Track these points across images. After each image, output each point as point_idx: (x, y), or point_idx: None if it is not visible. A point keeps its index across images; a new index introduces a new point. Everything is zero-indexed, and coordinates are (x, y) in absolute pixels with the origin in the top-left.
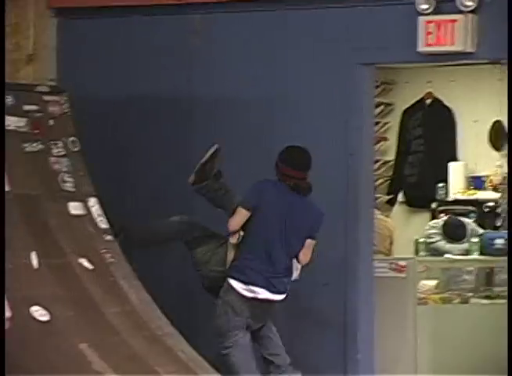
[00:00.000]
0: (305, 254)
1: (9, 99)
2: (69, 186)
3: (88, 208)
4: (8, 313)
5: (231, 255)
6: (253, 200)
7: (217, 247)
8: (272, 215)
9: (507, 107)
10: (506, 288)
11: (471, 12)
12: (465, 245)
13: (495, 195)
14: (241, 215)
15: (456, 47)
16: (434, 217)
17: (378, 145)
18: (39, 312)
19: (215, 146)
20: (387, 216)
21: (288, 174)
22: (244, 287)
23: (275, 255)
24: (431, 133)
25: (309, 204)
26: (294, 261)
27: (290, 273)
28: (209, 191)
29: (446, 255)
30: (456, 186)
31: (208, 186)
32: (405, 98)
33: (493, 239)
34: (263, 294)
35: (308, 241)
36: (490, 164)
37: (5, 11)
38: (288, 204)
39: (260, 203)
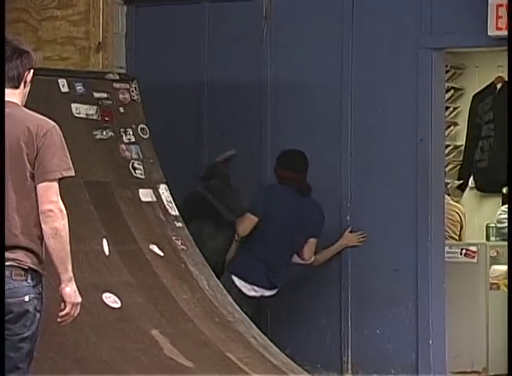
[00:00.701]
0: (308, 253)
1: (79, 87)
2: (139, 172)
3: (158, 195)
4: (79, 299)
5: (232, 252)
6: (261, 207)
7: (215, 231)
8: (280, 219)
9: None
10: None
11: None
12: None
13: None
14: (250, 221)
15: None
16: (505, 202)
17: (448, 130)
18: (111, 299)
19: (233, 151)
20: (457, 202)
21: (288, 177)
22: (248, 286)
23: (279, 256)
24: (502, 118)
25: (313, 204)
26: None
27: (289, 270)
28: (215, 189)
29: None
30: None
31: (215, 185)
32: (475, 82)
33: None
34: (262, 292)
35: (311, 240)
36: None
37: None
38: (294, 207)
39: (268, 208)
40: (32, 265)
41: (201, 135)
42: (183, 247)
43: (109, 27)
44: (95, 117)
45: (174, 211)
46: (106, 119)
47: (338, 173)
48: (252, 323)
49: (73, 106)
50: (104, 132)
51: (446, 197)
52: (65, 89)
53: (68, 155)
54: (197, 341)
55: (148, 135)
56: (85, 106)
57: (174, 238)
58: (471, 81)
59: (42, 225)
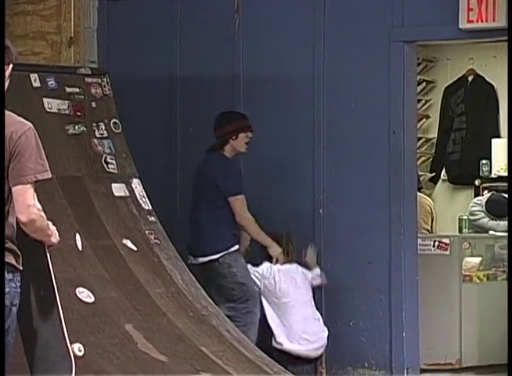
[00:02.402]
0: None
1: (51, 82)
2: (112, 167)
3: (131, 190)
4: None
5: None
6: (241, 184)
7: None
8: None
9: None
10: None
11: None
12: None
13: None
14: (243, 202)
15: (498, 23)
16: (477, 194)
17: (420, 123)
18: (84, 294)
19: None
20: (430, 194)
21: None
22: None
23: None
24: (474, 110)
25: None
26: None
27: None
28: None
29: (490, 232)
30: (499, 163)
31: None
32: (446, 75)
33: None
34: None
35: (231, 199)
36: None
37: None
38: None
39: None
40: (9, 261)
41: (174, 128)
42: (156, 241)
43: (81, 21)
44: (67, 112)
45: (148, 206)
46: (78, 114)
47: (311, 166)
48: (226, 317)
49: (45, 100)
50: (76, 127)
51: None
52: (37, 84)
53: (44, 157)
54: (171, 336)
55: (120, 130)
56: (57, 101)
57: (147, 232)
58: (443, 74)
59: (23, 228)
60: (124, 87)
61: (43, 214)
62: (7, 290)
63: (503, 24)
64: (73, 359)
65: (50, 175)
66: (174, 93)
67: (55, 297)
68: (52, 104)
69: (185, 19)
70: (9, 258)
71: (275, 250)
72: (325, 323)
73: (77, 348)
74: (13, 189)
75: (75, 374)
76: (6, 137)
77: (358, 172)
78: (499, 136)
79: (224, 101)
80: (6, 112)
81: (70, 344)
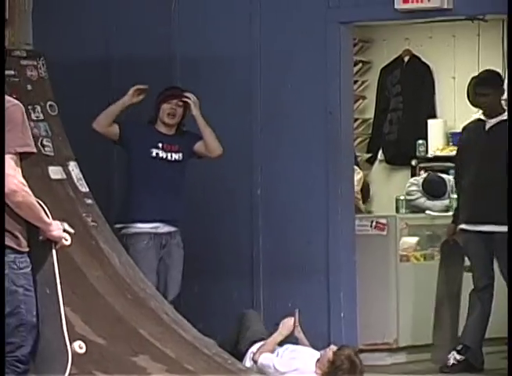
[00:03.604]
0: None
1: None
2: (48, 150)
3: (67, 172)
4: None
5: None
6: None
7: None
8: None
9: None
10: None
11: None
12: (445, 201)
13: None
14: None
15: (433, 3)
16: (414, 174)
17: (357, 103)
18: None
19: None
20: (366, 175)
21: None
22: None
23: None
24: (410, 90)
25: None
26: None
27: None
28: None
29: (427, 212)
30: (435, 143)
31: None
32: (383, 56)
33: None
34: None
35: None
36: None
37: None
38: None
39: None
40: (8, 244)
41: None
42: (94, 223)
43: (15, 3)
44: None
45: (85, 188)
46: (14, 96)
47: (249, 147)
48: (164, 299)
49: None
50: None
51: None
52: None
53: (28, 133)
54: (109, 318)
55: (56, 112)
56: None
57: (84, 215)
58: (379, 55)
59: (7, 201)
60: (61, 69)
61: (28, 190)
62: (6, 272)
63: (438, 5)
64: (70, 356)
65: (32, 150)
66: (110, 75)
67: (58, 296)
68: None
69: (118, 1)
70: (8, 240)
71: None
72: (263, 304)
73: (78, 346)
74: None
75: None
76: None
77: (295, 153)
78: (435, 117)
79: (161, 82)
80: None
81: (70, 342)
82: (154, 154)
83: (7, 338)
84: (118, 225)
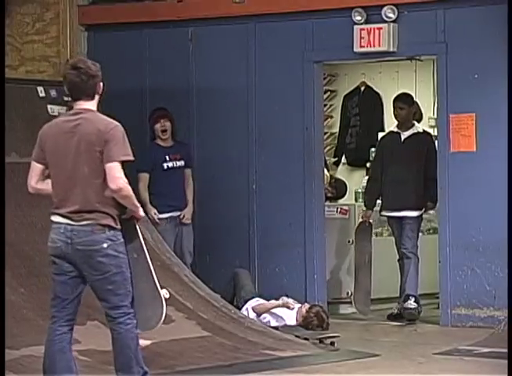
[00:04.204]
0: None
1: (52, 93)
2: None
3: None
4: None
5: None
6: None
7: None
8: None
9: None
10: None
11: (393, 21)
12: None
13: None
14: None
15: (382, 48)
16: (368, 173)
17: (326, 121)
18: None
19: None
20: (333, 174)
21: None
22: None
23: None
24: (365, 112)
25: None
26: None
27: None
28: None
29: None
30: None
31: None
32: (345, 86)
33: None
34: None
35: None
36: None
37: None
38: None
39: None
40: (108, 223)
41: (144, 128)
42: None
43: (75, 47)
44: None
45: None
46: None
47: (246, 155)
48: (184, 265)
49: (49, 106)
50: None
51: None
52: (42, 94)
53: (128, 146)
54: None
55: None
56: (58, 107)
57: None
58: (342, 85)
59: (112, 194)
60: (106, 96)
61: (129, 186)
62: (109, 243)
63: (386, 48)
64: (164, 301)
65: (131, 158)
66: (145, 101)
67: (147, 258)
68: (54, 109)
69: (151, 46)
70: (108, 221)
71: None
72: (257, 269)
73: (164, 292)
74: (105, 166)
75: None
76: (92, 131)
77: (281, 158)
78: (383, 130)
79: (181, 107)
80: (94, 113)
81: (161, 288)
82: (166, 167)
83: (116, 290)
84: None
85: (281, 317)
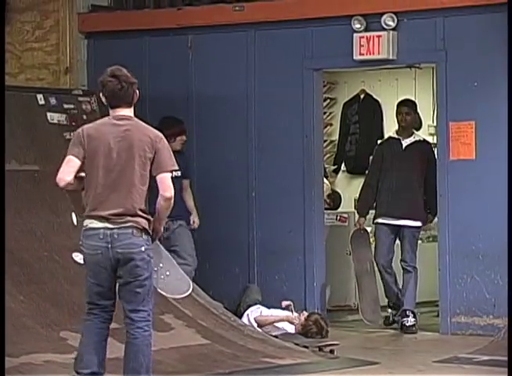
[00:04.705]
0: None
1: (52, 101)
2: None
3: None
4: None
5: None
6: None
7: None
8: None
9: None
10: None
11: (392, 29)
12: None
13: None
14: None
15: (382, 55)
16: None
17: (326, 129)
18: (78, 257)
19: None
20: (333, 181)
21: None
22: None
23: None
24: (365, 119)
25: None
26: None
27: None
28: None
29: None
30: None
31: None
32: (344, 94)
33: None
34: None
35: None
36: None
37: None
38: None
39: None
40: (145, 227)
41: None
42: None
43: (75, 55)
44: (64, 123)
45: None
46: (73, 124)
47: (246, 162)
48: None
49: (49, 114)
50: (72, 134)
51: None
52: (42, 102)
53: (173, 157)
54: None
55: None
56: (57, 115)
57: None
58: (342, 93)
59: (162, 202)
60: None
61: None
62: (146, 247)
63: (385, 56)
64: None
65: (177, 168)
66: (144, 107)
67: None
68: (53, 117)
69: (151, 53)
70: (146, 225)
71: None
72: (257, 277)
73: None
74: (159, 176)
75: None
76: (144, 138)
77: (280, 166)
78: (383, 138)
79: (181, 114)
80: (138, 121)
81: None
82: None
83: (144, 294)
84: None
85: (281, 327)
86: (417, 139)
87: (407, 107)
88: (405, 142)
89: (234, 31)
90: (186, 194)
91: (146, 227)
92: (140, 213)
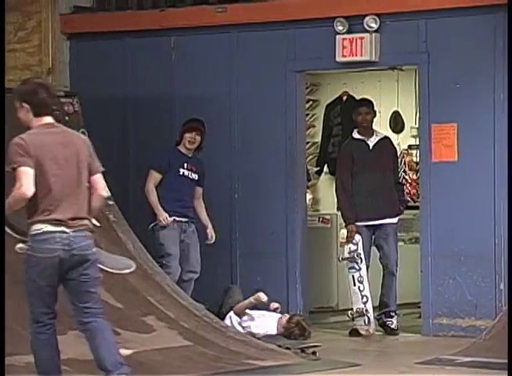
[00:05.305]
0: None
1: None
2: None
3: None
4: None
5: None
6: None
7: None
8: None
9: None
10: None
11: (375, 31)
12: None
13: None
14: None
15: (364, 57)
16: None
17: (308, 131)
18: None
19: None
20: (315, 183)
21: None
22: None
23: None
24: (347, 121)
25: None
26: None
27: None
28: None
29: None
30: None
31: None
32: (327, 95)
33: None
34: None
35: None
36: None
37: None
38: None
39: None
40: (92, 228)
41: (127, 137)
42: (114, 219)
43: (57, 56)
44: None
45: (107, 193)
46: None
47: (228, 164)
48: (166, 275)
49: None
50: None
51: None
52: None
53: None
54: (126, 289)
55: (87, 136)
56: None
57: (107, 213)
58: (324, 95)
59: (94, 202)
60: (89, 105)
61: None
62: (95, 248)
63: (368, 58)
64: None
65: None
66: (127, 109)
67: None
68: None
69: (133, 54)
70: (91, 226)
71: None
72: (240, 278)
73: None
74: (95, 176)
75: None
76: (81, 143)
77: (263, 167)
78: None
79: (164, 115)
80: (62, 127)
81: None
82: (181, 173)
83: (96, 293)
84: (152, 224)
85: (261, 326)
86: (380, 136)
87: (366, 107)
88: (371, 142)
89: (217, 33)
90: (198, 204)
91: (92, 229)
92: (88, 215)
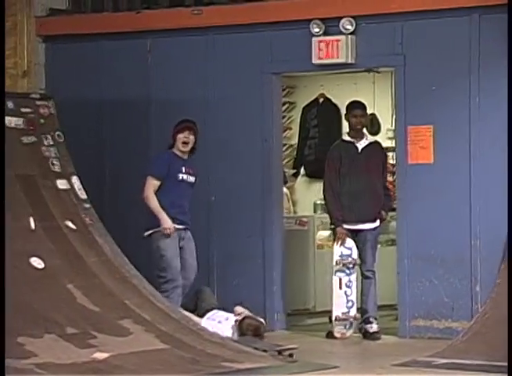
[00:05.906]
0: None
1: (9, 104)
2: (56, 167)
3: (71, 184)
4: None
5: None
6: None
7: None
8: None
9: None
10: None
11: (351, 33)
12: None
13: None
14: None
15: (340, 59)
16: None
17: (285, 133)
18: (36, 262)
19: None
20: (292, 185)
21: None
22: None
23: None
24: (324, 123)
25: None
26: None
27: None
28: None
29: None
30: None
31: None
32: (303, 98)
33: None
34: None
35: None
36: None
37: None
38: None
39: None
40: None
41: (103, 139)
42: (90, 222)
43: (32, 59)
44: (22, 127)
45: (84, 196)
46: (31, 128)
47: (205, 166)
48: (143, 278)
49: (6, 118)
50: (29, 138)
51: None
52: None
53: None
54: (103, 292)
55: (63, 140)
56: (15, 119)
57: (83, 216)
58: (301, 97)
59: None
60: (65, 107)
61: None
62: None
63: (344, 60)
64: None
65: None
66: (103, 112)
67: None
68: (11, 121)
69: (109, 57)
70: None
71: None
72: (216, 281)
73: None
74: None
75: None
76: None
77: (240, 170)
78: None
79: (140, 119)
80: None
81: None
82: (180, 178)
83: None
84: (149, 231)
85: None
86: (370, 140)
87: (360, 110)
88: (360, 145)
89: (193, 35)
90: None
91: None
92: None
